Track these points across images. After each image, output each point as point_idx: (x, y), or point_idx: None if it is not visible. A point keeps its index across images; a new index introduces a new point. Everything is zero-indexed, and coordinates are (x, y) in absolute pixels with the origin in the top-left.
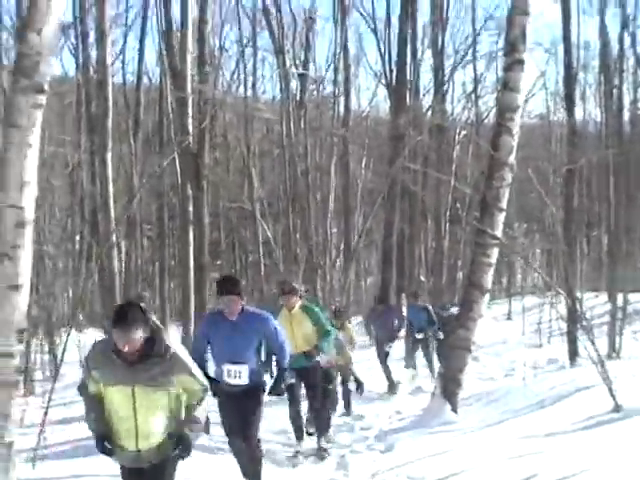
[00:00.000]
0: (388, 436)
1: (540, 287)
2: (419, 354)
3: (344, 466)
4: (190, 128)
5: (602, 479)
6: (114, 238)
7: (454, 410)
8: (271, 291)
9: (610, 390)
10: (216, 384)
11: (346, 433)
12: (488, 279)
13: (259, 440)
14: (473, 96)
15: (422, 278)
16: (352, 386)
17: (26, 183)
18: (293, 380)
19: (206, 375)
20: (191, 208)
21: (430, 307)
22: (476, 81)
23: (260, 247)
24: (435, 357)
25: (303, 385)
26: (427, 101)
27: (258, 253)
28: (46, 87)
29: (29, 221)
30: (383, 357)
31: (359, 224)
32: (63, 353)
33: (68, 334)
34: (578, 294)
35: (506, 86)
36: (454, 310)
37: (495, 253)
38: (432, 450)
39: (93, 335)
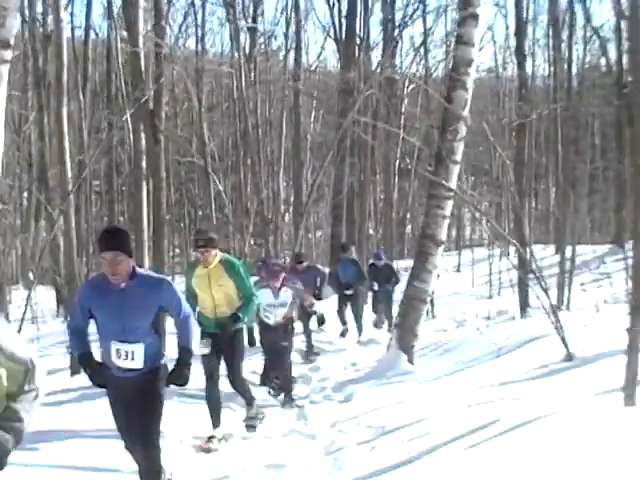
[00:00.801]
0: (345, 387)
1: (490, 239)
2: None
3: (304, 416)
4: (147, 84)
5: (558, 424)
6: (71, 196)
7: (410, 361)
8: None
9: (562, 339)
10: (104, 371)
11: (304, 385)
12: (443, 231)
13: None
14: (422, 50)
15: (371, 231)
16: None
17: None
18: (207, 350)
19: (85, 361)
20: (144, 163)
21: (358, 261)
22: (425, 35)
23: (212, 202)
24: (366, 311)
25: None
26: (376, 55)
27: (210, 208)
28: (12, 42)
29: None
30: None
31: (309, 178)
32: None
33: (28, 296)
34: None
35: (460, 40)
36: (387, 260)
37: (449, 205)
38: (390, 399)
39: (44, 293)
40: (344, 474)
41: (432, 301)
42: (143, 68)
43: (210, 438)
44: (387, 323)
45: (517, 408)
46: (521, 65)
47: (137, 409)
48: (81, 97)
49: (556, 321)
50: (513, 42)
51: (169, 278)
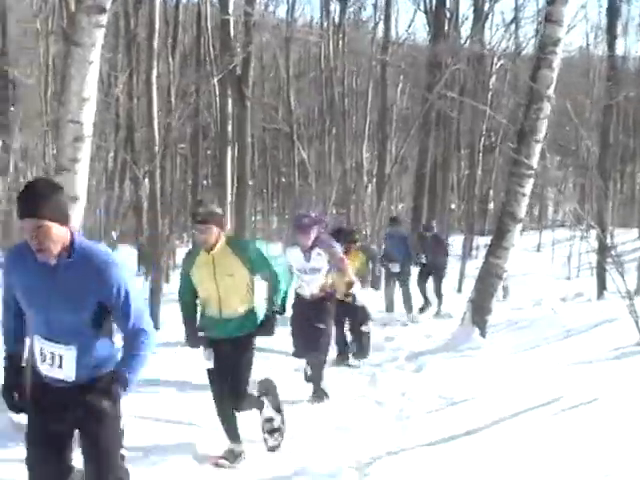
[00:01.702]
0: (418, 357)
1: (572, 220)
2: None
3: (375, 383)
4: (236, 50)
5: (622, 406)
6: (157, 158)
7: (482, 335)
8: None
9: (636, 323)
10: (29, 377)
11: (376, 353)
12: (522, 209)
13: None
14: (512, 26)
15: (453, 206)
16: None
17: (86, 99)
18: (211, 362)
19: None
20: (230, 128)
21: (407, 237)
22: (517, 10)
23: (295, 169)
24: (415, 289)
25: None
26: (465, 29)
27: (292, 175)
28: (107, 7)
29: (88, 136)
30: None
31: (393, 150)
32: None
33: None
34: (610, 229)
35: (549, 18)
36: (437, 231)
37: (530, 184)
38: (461, 372)
39: (125, 251)
40: (411, 440)
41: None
42: (232, 35)
43: (227, 452)
44: (438, 301)
45: (581, 388)
46: (611, 46)
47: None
48: (170, 60)
49: (631, 305)
50: (605, 21)
51: (121, 261)
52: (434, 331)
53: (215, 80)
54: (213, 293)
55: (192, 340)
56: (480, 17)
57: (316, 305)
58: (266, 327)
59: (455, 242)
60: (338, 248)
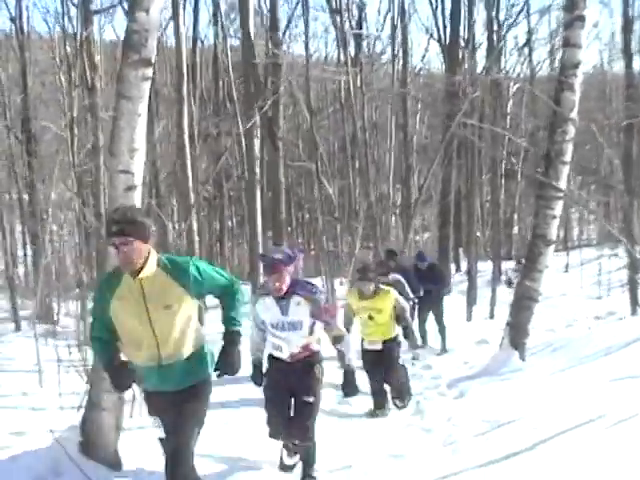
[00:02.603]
0: (458, 384)
1: (599, 239)
2: None
3: (420, 412)
4: (263, 92)
5: None
6: (193, 206)
7: (522, 358)
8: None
9: None
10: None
11: (417, 381)
12: (553, 231)
13: None
14: (526, 49)
15: (478, 234)
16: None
17: (135, 150)
18: (161, 430)
19: None
20: (258, 169)
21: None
22: (529, 34)
23: (320, 204)
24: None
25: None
26: (480, 55)
27: (317, 211)
28: (153, 60)
29: (138, 185)
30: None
31: (415, 180)
32: None
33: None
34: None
35: (567, 43)
36: (430, 259)
37: (559, 205)
38: (503, 395)
39: None
40: (461, 464)
41: None
42: (259, 77)
43: None
44: (440, 338)
45: (623, 404)
46: (628, 64)
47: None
48: (192, 104)
49: None
50: (619, 39)
51: None
52: (471, 358)
53: (250, 124)
54: (145, 333)
55: (120, 381)
56: (495, 44)
57: (299, 369)
58: (226, 361)
59: (484, 268)
60: (322, 295)
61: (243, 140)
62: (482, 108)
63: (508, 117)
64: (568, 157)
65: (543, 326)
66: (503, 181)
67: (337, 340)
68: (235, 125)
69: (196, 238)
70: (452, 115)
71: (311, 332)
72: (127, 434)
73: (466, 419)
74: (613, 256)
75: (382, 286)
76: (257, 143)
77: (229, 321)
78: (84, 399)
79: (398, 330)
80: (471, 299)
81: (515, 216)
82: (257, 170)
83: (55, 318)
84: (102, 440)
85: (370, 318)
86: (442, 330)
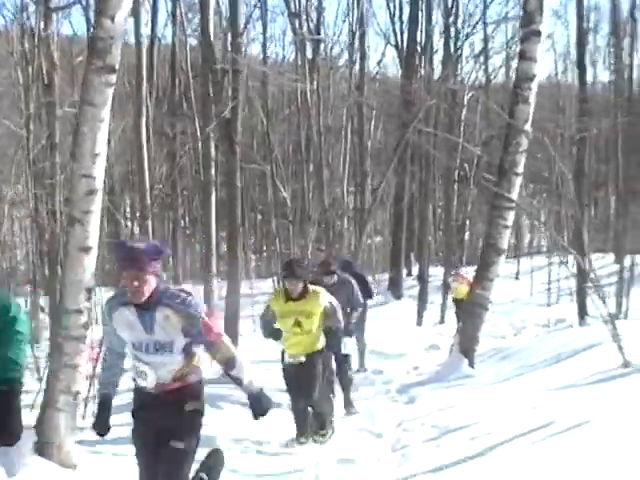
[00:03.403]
0: (409, 389)
1: (549, 247)
2: None
3: (370, 416)
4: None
5: (614, 427)
6: (149, 205)
7: (471, 365)
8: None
9: (619, 347)
10: None
11: (369, 386)
12: (504, 241)
13: None
14: (482, 57)
15: (430, 238)
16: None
17: (97, 155)
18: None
19: None
20: (213, 171)
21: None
22: (486, 42)
23: (273, 208)
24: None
25: None
26: (437, 60)
27: (271, 214)
28: (117, 67)
29: (99, 189)
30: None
31: (369, 185)
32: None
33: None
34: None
35: (523, 56)
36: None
37: (512, 216)
38: (453, 401)
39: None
40: (411, 469)
41: None
42: (222, 83)
43: None
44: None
45: (571, 411)
46: (582, 78)
47: None
48: (148, 103)
49: (613, 329)
50: (573, 51)
51: None
52: (421, 363)
53: (209, 128)
54: None
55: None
56: (451, 53)
57: (169, 404)
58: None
59: (435, 273)
60: (201, 308)
61: (199, 141)
62: (437, 115)
63: (462, 124)
64: (521, 168)
65: (493, 333)
66: (456, 187)
67: (227, 364)
68: (191, 125)
69: (150, 237)
70: (407, 122)
71: (187, 356)
72: (81, 435)
73: (416, 424)
74: (562, 264)
75: (311, 286)
76: (213, 145)
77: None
78: (35, 399)
79: (324, 341)
80: (422, 304)
81: (467, 222)
82: (212, 172)
83: None
84: (57, 440)
85: (297, 325)
86: (361, 348)
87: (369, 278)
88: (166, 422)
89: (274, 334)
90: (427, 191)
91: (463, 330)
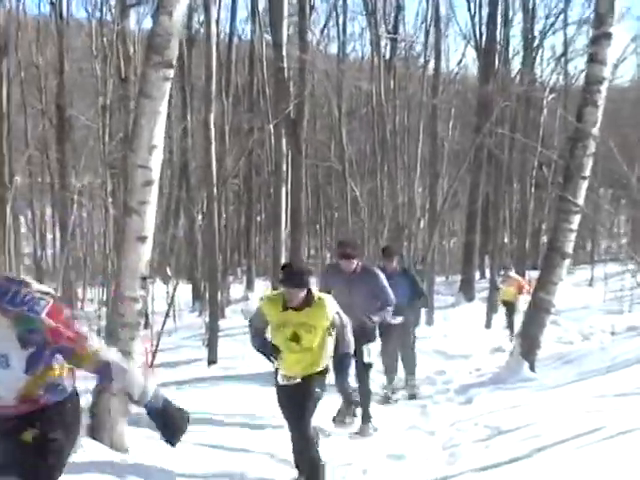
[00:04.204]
0: (467, 390)
1: (623, 255)
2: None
3: (426, 415)
4: (290, 95)
5: None
6: (215, 201)
7: (532, 369)
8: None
9: None
10: None
11: (428, 386)
12: (569, 245)
13: None
14: (563, 60)
15: (505, 240)
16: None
17: (154, 147)
18: None
19: None
20: (284, 167)
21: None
22: (566, 46)
23: (348, 206)
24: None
25: None
26: (516, 63)
27: (345, 211)
28: (174, 62)
29: (155, 180)
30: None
31: (445, 185)
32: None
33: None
34: None
35: (593, 58)
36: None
37: (577, 220)
38: (508, 403)
39: (180, 287)
40: (458, 467)
41: None
42: (287, 80)
43: None
44: (405, 379)
45: (622, 417)
46: None
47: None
48: (224, 100)
49: None
50: None
51: None
52: (484, 365)
53: (271, 125)
54: None
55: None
56: (530, 52)
57: (20, 432)
58: None
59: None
60: (44, 304)
61: (273, 138)
62: (514, 117)
63: (542, 127)
64: (587, 172)
65: (562, 339)
66: (533, 191)
67: (100, 375)
68: (266, 122)
69: (216, 232)
70: (483, 123)
71: (36, 371)
72: (134, 419)
73: (469, 424)
74: (635, 272)
75: (317, 293)
76: (284, 142)
77: None
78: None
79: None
80: (492, 306)
81: (544, 226)
82: (284, 168)
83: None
84: (110, 424)
85: (294, 339)
86: (409, 366)
87: (438, 279)
88: (15, 456)
89: (269, 349)
90: (500, 193)
91: (524, 333)
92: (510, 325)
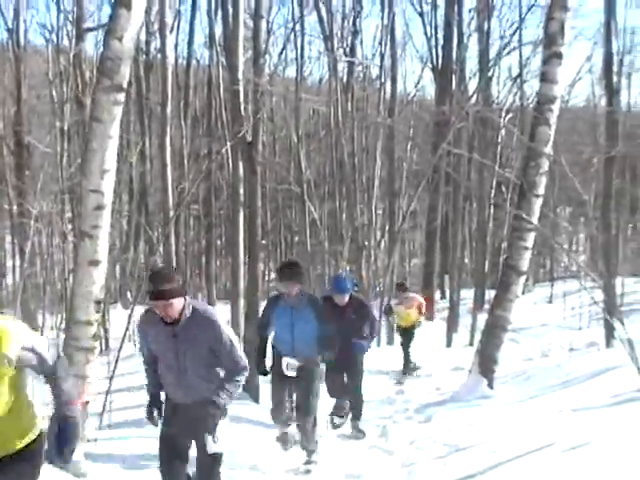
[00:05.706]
0: (427, 409)
1: (579, 273)
2: None
3: (385, 434)
4: (245, 118)
5: (612, 450)
6: (172, 224)
7: (490, 386)
8: (315, 271)
9: (638, 370)
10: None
11: (388, 406)
12: (524, 262)
13: None
14: (519, 80)
15: (465, 260)
16: None
17: (106, 171)
18: None
19: None
20: (242, 190)
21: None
22: (521, 66)
23: (307, 228)
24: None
25: None
26: (473, 84)
27: (304, 234)
28: (124, 86)
29: (108, 204)
30: None
31: (403, 206)
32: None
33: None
34: (618, 279)
35: (544, 78)
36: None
37: (531, 237)
38: (467, 421)
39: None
40: None
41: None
42: (242, 102)
43: None
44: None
45: (574, 433)
46: (610, 101)
47: None
48: (182, 124)
49: (631, 351)
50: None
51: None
52: (444, 384)
53: (228, 146)
54: None
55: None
56: (486, 72)
57: None
58: None
59: (469, 296)
60: None
61: (231, 162)
62: (471, 137)
63: (499, 147)
64: (541, 190)
65: (521, 355)
66: (492, 210)
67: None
68: (224, 145)
69: (173, 255)
70: (439, 143)
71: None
72: (92, 445)
73: (429, 443)
74: (588, 289)
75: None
76: (241, 165)
77: None
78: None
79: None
80: (452, 325)
81: (503, 245)
82: (241, 191)
83: (35, 330)
84: None
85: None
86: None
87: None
88: None
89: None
90: (458, 213)
91: (482, 351)
92: (407, 359)
